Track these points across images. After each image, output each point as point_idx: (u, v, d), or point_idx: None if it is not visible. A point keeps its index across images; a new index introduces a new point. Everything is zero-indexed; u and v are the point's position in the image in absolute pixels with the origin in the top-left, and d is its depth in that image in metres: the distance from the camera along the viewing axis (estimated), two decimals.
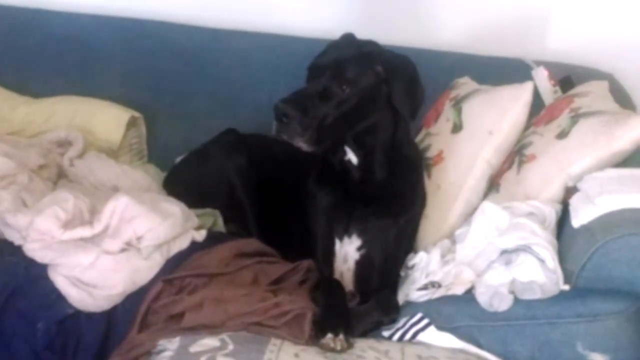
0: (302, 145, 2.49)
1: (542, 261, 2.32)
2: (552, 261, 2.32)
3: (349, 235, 2.68)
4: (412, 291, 2.50)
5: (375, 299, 2.53)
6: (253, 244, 2.68)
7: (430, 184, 2.83)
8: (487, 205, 2.54)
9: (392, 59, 2.60)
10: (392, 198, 2.70)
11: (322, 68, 2.55)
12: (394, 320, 2.44)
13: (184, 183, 3.05)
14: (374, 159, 2.64)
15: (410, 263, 2.66)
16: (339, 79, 2.52)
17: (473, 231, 2.52)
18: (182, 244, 2.58)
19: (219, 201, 2.94)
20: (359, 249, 2.68)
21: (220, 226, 2.86)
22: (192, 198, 2.84)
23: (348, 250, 2.69)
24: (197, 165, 3.08)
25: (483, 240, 2.46)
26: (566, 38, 3.38)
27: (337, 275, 2.70)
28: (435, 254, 2.58)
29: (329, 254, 2.70)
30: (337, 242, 2.70)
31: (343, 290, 2.56)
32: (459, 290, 2.41)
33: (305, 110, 2.46)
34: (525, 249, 2.35)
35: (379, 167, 2.65)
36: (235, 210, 2.96)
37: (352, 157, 2.64)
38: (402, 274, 2.67)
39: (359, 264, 2.69)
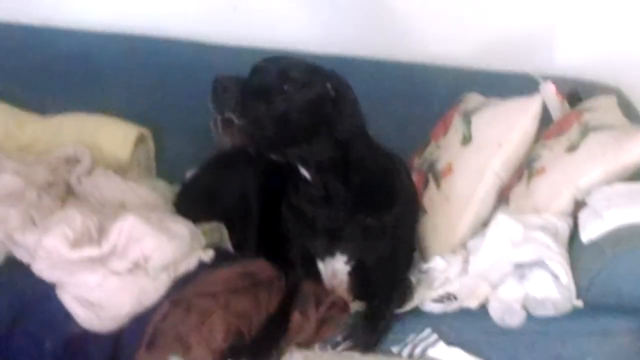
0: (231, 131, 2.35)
1: (555, 277, 2.32)
2: (565, 277, 2.31)
3: (332, 255, 2.61)
4: (426, 301, 2.49)
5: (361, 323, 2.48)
6: (259, 264, 2.65)
7: (439, 196, 2.82)
8: (501, 218, 2.54)
9: (342, 80, 2.49)
10: (366, 209, 2.58)
11: (266, 68, 2.45)
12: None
13: (201, 184, 3.06)
14: (328, 176, 2.52)
15: (424, 267, 2.66)
16: (283, 77, 2.40)
17: (487, 243, 2.51)
18: (190, 264, 2.55)
19: (229, 205, 2.93)
20: (346, 263, 2.61)
21: (225, 239, 2.85)
22: (204, 203, 2.88)
23: (336, 267, 2.62)
24: (218, 167, 3.06)
25: (496, 253, 2.46)
26: (573, 53, 3.38)
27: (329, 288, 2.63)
28: (457, 261, 2.57)
29: (313, 274, 2.62)
30: (320, 263, 2.63)
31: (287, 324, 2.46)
32: (472, 303, 2.40)
33: (244, 93, 2.33)
34: (539, 263, 2.35)
35: (337, 184, 2.53)
36: (241, 218, 2.93)
37: (305, 173, 2.52)
38: (414, 279, 2.65)
39: (352, 274, 2.62)
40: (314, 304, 2.46)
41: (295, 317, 2.42)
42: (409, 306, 2.51)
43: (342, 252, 2.60)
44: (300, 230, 2.64)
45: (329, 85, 2.45)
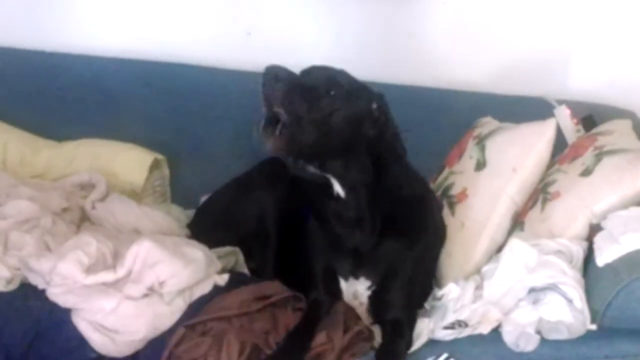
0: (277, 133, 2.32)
1: (569, 301, 2.31)
2: (579, 301, 2.30)
3: (356, 277, 2.60)
4: (438, 329, 2.47)
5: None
6: (273, 286, 2.65)
7: (454, 222, 2.81)
8: (516, 243, 2.52)
9: (386, 103, 2.49)
10: (395, 235, 2.59)
11: (316, 72, 2.47)
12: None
13: (218, 207, 3.05)
14: (361, 196, 2.51)
15: (438, 294, 2.64)
16: (332, 83, 2.41)
17: (501, 268, 2.50)
18: (205, 288, 2.55)
19: (247, 230, 2.93)
20: (369, 288, 2.61)
21: (241, 264, 2.85)
22: (221, 226, 2.89)
23: (357, 289, 2.62)
24: (237, 191, 3.05)
25: (511, 278, 2.44)
26: (588, 77, 3.38)
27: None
28: (470, 287, 2.56)
29: (335, 292, 2.62)
30: (342, 281, 2.62)
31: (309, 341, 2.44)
32: (485, 329, 2.38)
33: (293, 87, 2.34)
34: (553, 287, 2.34)
35: (369, 205, 2.52)
36: (260, 241, 2.94)
37: (339, 189, 2.51)
38: (427, 306, 2.65)
39: (372, 298, 2.61)
40: (342, 330, 2.44)
41: (321, 337, 2.41)
42: (420, 342, 2.48)
43: (367, 277, 2.60)
44: (326, 247, 2.63)
45: (374, 105, 2.45)
